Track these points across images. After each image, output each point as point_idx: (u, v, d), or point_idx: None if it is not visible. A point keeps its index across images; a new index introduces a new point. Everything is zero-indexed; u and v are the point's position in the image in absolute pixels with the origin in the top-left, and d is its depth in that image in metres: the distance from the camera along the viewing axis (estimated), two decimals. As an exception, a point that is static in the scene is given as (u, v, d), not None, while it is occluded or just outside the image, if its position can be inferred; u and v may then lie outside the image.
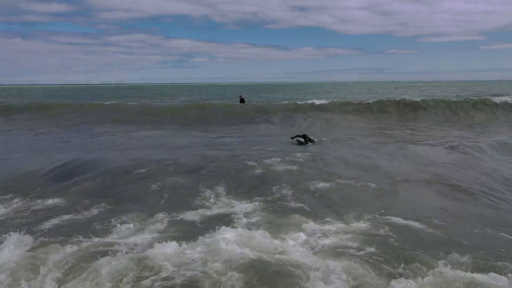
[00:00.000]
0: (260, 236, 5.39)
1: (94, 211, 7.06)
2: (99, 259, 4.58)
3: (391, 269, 4.60)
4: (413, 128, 19.46)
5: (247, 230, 5.68)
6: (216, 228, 5.57)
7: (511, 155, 11.90)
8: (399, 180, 8.70)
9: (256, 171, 9.46)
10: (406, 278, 4.37)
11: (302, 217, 6.41)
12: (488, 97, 25.62)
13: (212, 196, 7.77)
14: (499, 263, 4.74)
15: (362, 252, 4.98)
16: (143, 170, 9.64)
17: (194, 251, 4.90)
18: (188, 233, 5.79)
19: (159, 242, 5.07)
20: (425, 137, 16.03)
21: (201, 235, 5.40)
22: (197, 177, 9.02)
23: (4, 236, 5.42)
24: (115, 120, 21.57)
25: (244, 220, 6.37)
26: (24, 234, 5.45)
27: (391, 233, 5.74)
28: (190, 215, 6.71)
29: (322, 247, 5.20)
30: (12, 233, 5.37)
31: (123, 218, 6.51)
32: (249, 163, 10.16)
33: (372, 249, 5.07)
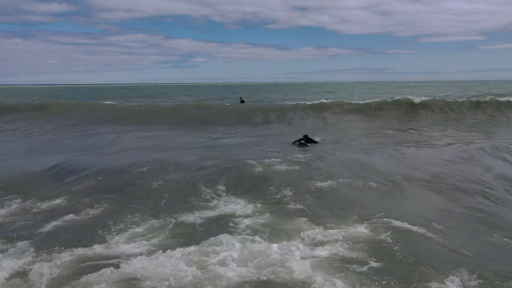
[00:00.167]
0: (259, 250, 5.22)
1: (92, 213, 7.02)
2: (89, 274, 4.58)
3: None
4: (414, 128, 19.42)
5: (245, 244, 5.43)
6: (215, 238, 5.49)
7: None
8: (399, 182, 8.66)
9: (256, 171, 9.45)
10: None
11: (303, 221, 6.35)
12: (492, 97, 25.48)
13: (212, 196, 7.75)
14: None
15: (365, 268, 4.77)
16: (143, 170, 9.63)
17: (189, 270, 4.72)
18: (187, 240, 5.67)
19: (155, 257, 5.00)
20: (426, 137, 15.98)
21: (200, 246, 5.32)
22: (197, 177, 8.99)
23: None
24: (114, 121, 21.53)
25: (244, 223, 6.31)
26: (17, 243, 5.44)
27: (394, 241, 5.57)
28: (190, 217, 6.67)
29: (324, 260, 4.96)
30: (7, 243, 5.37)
31: (121, 223, 6.45)
32: (249, 163, 10.15)
33: (375, 264, 4.89)
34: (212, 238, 5.55)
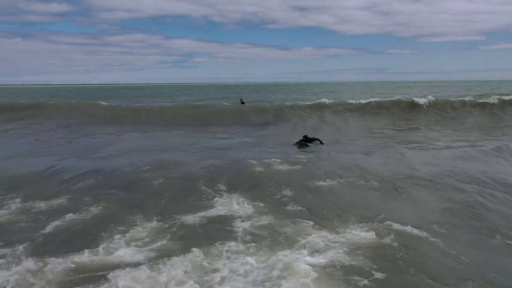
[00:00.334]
0: (257, 263, 5.03)
1: (92, 214, 6.96)
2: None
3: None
4: (415, 128, 19.39)
5: (244, 256, 5.23)
6: (214, 248, 5.35)
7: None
8: (400, 183, 8.62)
9: (257, 171, 9.44)
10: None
11: (303, 224, 6.29)
12: (493, 97, 25.38)
13: (212, 197, 7.73)
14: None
15: (367, 281, 4.61)
16: (143, 170, 9.63)
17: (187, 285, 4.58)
18: (186, 245, 5.55)
19: (151, 268, 4.87)
20: (427, 138, 15.94)
21: (199, 257, 5.17)
22: (197, 177, 8.97)
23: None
24: (114, 121, 21.47)
25: (244, 226, 6.24)
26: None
27: (396, 247, 5.46)
28: (190, 219, 6.62)
29: (326, 272, 4.79)
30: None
31: (121, 225, 6.39)
32: (250, 163, 10.14)
33: (378, 274, 4.74)
34: (212, 248, 5.44)
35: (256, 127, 19.74)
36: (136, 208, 7.13)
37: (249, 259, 5.14)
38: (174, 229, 6.19)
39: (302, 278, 4.66)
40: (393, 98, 25.84)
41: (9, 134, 18.20)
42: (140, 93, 68.51)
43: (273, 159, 10.69)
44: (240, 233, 5.96)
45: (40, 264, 5.05)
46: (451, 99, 25.76)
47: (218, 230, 6.10)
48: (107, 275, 4.74)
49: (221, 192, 7.97)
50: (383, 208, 7.08)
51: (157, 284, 4.59)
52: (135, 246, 5.59)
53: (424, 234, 5.96)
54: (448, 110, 23.52)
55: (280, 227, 6.18)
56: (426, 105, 23.81)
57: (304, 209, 6.99)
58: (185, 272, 4.84)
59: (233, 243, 5.61)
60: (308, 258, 5.13)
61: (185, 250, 5.38)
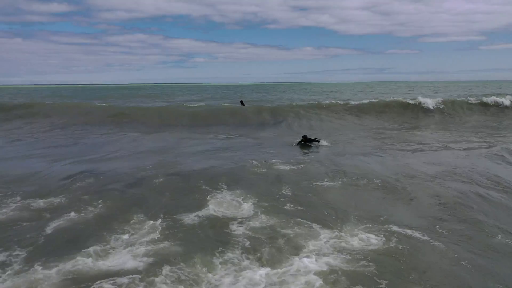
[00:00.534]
0: (257, 270, 4.92)
1: (92, 214, 6.92)
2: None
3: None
4: (415, 128, 19.33)
5: (242, 267, 5.05)
6: (211, 259, 5.21)
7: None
8: (401, 184, 8.58)
9: (257, 171, 9.43)
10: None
11: (304, 226, 6.25)
12: (495, 97, 25.31)
13: (213, 197, 7.69)
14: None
15: None
16: (143, 170, 9.60)
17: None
18: (186, 248, 5.50)
19: (147, 276, 4.76)
20: (427, 138, 15.89)
21: (196, 267, 5.02)
22: (198, 177, 8.96)
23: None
24: (114, 121, 21.41)
25: (244, 228, 6.20)
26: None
27: (398, 251, 5.41)
28: (190, 219, 6.60)
29: (330, 280, 4.69)
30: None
31: (120, 226, 6.35)
32: (250, 163, 10.14)
33: (382, 281, 4.68)
34: (211, 252, 5.37)
35: (256, 127, 19.71)
36: (136, 208, 7.10)
37: (250, 264, 5.08)
38: (174, 230, 6.15)
39: (304, 285, 4.59)
40: (393, 99, 25.81)
41: (9, 134, 18.14)
42: (140, 93, 68.48)
43: (273, 160, 10.67)
44: (240, 237, 5.88)
45: (41, 264, 5.03)
46: (451, 99, 25.72)
47: (217, 232, 6.06)
48: (105, 278, 4.71)
49: (221, 192, 7.93)
50: (385, 210, 7.04)
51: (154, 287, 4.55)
52: (135, 247, 5.55)
53: (426, 237, 5.91)
54: (449, 110, 23.47)
55: (280, 229, 6.13)
56: (426, 106, 23.75)
57: (305, 210, 6.96)
58: (183, 277, 4.79)
59: (233, 247, 5.54)
60: (311, 264, 5.06)
61: (185, 254, 5.32)
